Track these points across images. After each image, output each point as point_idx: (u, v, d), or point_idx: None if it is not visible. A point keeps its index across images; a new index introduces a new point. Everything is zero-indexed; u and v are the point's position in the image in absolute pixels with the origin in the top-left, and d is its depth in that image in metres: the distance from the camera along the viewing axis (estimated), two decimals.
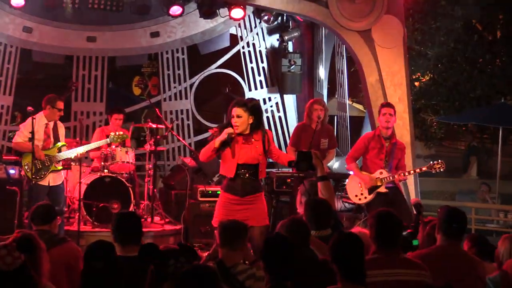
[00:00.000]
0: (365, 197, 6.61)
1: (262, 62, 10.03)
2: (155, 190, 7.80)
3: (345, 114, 10.05)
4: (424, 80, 15.05)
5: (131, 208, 7.45)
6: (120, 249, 3.65)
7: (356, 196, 6.67)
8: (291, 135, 7.72)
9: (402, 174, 6.58)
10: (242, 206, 5.17)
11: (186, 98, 9.84)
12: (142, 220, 7.78)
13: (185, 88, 9.85)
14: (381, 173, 6.59)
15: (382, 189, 6.58)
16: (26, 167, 6.63)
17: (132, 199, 7.50)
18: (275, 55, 9.97)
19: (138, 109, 10.69)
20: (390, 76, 8.01)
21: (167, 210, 8.00)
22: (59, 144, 6.84)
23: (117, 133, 7.32)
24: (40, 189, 6.67)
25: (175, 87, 9.83)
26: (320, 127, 7.25)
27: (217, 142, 5.14)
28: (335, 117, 10.91)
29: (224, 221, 4.05)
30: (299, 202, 4.88)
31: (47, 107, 6.73)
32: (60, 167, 6.81)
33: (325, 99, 9.84)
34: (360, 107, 16.14)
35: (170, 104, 9.83)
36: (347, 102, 10.26)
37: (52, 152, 6.78)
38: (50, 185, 6.73)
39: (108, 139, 7.32)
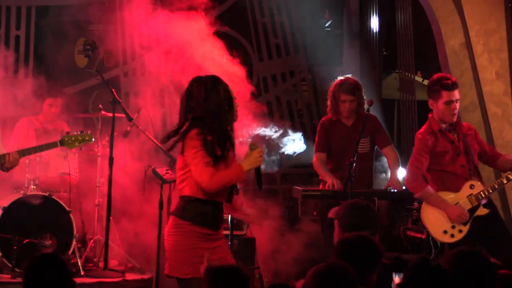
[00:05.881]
0: (460, 231, 6.60)
1: (280, 15, 10.02)
2: (111, 217, 7.79)
3: (412, 98, 10.03)
4: None
5: (73, 246, 7.47)
6: None
7: (446, 232, 6.62)
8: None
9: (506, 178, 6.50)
10: (216, 243, 5.26)
11: None
12: (91, 266, 7.82)
13: (159, 57, 9.86)
14: (471, 186, 6.58)
15: (482, 211, 6.60)
16: None
17: (75, 231, 7.53)
18: (301, 4, 9.97)
19: (84, 89, 10.71)
20: (483, 38, 8.01)
21: (130, 250, 8.03)
22: None
23: (74, 134, 7.21)
24: None
25: (142, 55, 9.83)
26: (354, 121, 7.39)
27: (252, 166, 5.18)
28: (395, 102, 10.88)
29: (214, 266, 4.04)
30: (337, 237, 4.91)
31: None
32: None
33: (380, 74, 9.83)
34: None
35: (134, 81, 9.84)
36: (415, 78, 10.23)
37: None
38: None
39: (58, 142, 7.23)
